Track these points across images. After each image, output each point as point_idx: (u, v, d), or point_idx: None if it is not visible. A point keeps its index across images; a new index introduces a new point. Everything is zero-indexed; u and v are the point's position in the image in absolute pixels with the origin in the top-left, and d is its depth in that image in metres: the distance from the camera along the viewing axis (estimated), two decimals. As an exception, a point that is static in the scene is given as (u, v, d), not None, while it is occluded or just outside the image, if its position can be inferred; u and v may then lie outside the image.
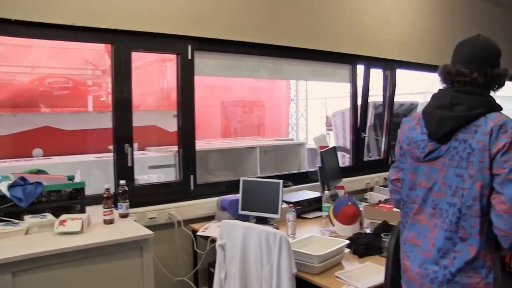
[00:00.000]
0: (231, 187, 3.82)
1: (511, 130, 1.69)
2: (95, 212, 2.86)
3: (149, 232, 2.63)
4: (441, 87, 1.93)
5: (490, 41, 1.92)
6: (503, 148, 1.67)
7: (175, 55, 3.66)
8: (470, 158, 1.73)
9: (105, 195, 2.81)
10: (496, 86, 1.90)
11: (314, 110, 10.62)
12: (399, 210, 2.89)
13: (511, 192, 1.63)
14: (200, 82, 7.39)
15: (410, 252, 1.92)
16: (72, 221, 2.57)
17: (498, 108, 1.82)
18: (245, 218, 3.42)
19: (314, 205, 3.87)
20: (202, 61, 3.79)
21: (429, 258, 1.82)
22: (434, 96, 1.91)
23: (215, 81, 8.39)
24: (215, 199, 3.70)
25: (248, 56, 4.13)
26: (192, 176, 3.74)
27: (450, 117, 1.78)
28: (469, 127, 1.75)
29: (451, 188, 1.78)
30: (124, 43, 3.32)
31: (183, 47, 3.62)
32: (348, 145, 5.23)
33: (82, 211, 2.84)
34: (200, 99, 7.65)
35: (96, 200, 3.05)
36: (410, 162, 1.93)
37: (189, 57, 3.65)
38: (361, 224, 3.31)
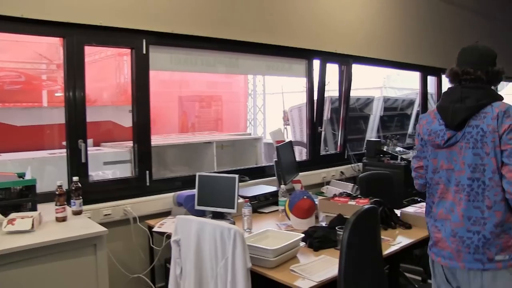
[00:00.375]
0: (188, 182, 3.80)
1: None
2: (48, 210, 2.79)
3: (103, 229, 2.59)
4: (450, 86, 2.32)
5: (488, 46, 2.30)
6: (507, 128, 2.05)
7: (130, 50, 3.61)
8: (483, 139, 2.10)
9: (57, 192, 2.74)
10: (495, 82, 2.26)
11: (272, 104, 10.65)
12: (353, 203, 2.97)
13: None
14: (157, 77, 7.32)
15: (441, 226, 2.23)
16: (22, 219, 2.50)
17: (500, 98, 2.19)
18: (201, 213, 3.41)
19: (270, 199, 3.88)
20: (158, 56, 3.75)
21: (461, 227, 2.14)
22: (445, 93, 2.29)
23: (173, 76, 8.32)
24: (171, 194, 3.67)
25: (203, 51, 4.11)
26: (147, 172, 3.70)
27: (462, 108, 2.16)
28: (478, 114, 2.13)
29: (470, 166, 2.12)
30: (76, 36, 3.24)
31: (138, 41, 3.57)
32: (305, 139, 5.28)
33: (34, 209, 2.77)
34: (157, 94, 7.59)
35: (49, 197, 2.98)
36: (431, 150, 2.30)
37: (144, 52, 3.60)
38: (316, 217, 3.35)
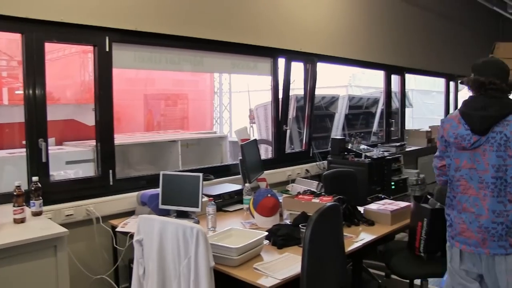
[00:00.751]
0: (152, 181, 3.76)
1: None
2: (6, 212, 2.74)
3: (63, 230, 2.54)
4: (470, 94, 2.58)
5: (502, 61, 2.61)
6: None
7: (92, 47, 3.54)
8: (507, 144, 2.38)
9: (15, 193, 2.69)
10: (510, 92, 2.54)
11: (238, 103, 10.64)
12: (317, 201, 3.01)
13: None
14: (122, 74, 7.21)
15: (466, 218, 2.49)
16: (-23, 221, 2.44)
17: None
18: (165, 212, 3.39)
19: (235, 197, 3.89)
20: (121, 53, 3.71)
21: (487, 219, 2.42)
22: (467, 101, 2.55)
23: (139, 74, 8.22)
24: (135, 194, 3.62)
25: (168, 49, 4.07)
26: (111, 171, 3.65)
27: (488, 116, 2.43)
28: (501, 122, 2.41)
29: (494, 166, 2.40)
30: (36, 33, 3.16)
31: (100, 38, 3.51)
32: (271, 137, 5.29)
33: (-10, 210, 2.71)
34: (122, 92, 7.47)
35: (8, 198, 2.90)
36: (455, 151, 2.56)
37: (107, 49, 3.54)
38: (281, 215, 3.37)
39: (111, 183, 3.64)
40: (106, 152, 3.64)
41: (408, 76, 7.56)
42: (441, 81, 9.09)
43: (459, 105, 2.66)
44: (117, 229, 3.30)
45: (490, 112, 2.43)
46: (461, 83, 2.79)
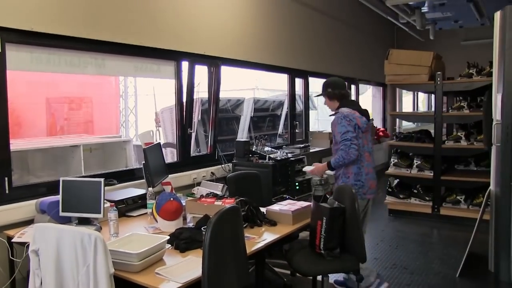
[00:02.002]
0: (54, 188, 3.61)
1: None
2: None
3: None
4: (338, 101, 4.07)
5: (339, 78, 4.29)
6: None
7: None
8: (368, 127, 3.95)
9: None
10: None
11: (145, 106, 10.44)
12: (219, 204, 3.09)
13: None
14: (23, 77, 6.85)
15: (371, 177, 3.94)
16: None
17: None
18: (66, 220, 3.31)
19: (139, 202, 3.86)
20: (16, 55, 3.56)
21: (375, 174, 3.98)
22: (350, 104, 4.01)
23: (41, 77, 7.86)
24: (34, 201, 3.48)
25: (68, 51, 3.96)
26: (6, 179, 3.48)
27: (366, 111, 4.03)
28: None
29: (370, 141, 4.02)
30: None
31: (-8, 38, 3.35)
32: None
33: None
34: (23, 95, 7.09)
35: None
36: (360, 134, 3.87)
37: (-1, 50, 3.39)
38: (184, 219, 3.39)
39: (7, 191, 3.48)
40: (1, 159, 3.46)
41: (314, 79, 7.80)
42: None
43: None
44: (13, 240, 3.15)
45: (362, 108, 3.98)
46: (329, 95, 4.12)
